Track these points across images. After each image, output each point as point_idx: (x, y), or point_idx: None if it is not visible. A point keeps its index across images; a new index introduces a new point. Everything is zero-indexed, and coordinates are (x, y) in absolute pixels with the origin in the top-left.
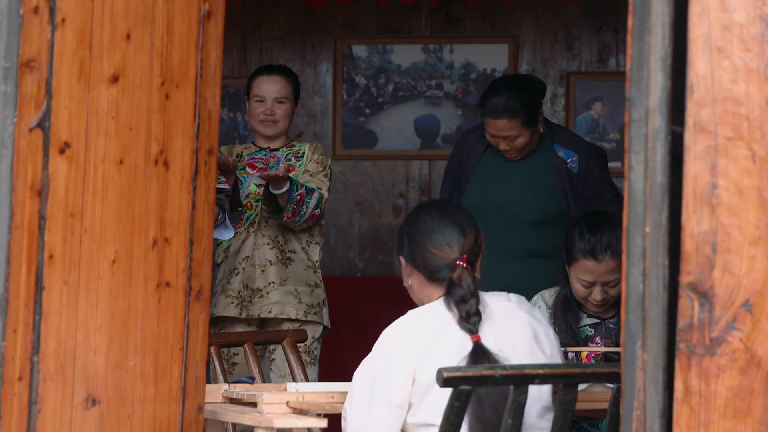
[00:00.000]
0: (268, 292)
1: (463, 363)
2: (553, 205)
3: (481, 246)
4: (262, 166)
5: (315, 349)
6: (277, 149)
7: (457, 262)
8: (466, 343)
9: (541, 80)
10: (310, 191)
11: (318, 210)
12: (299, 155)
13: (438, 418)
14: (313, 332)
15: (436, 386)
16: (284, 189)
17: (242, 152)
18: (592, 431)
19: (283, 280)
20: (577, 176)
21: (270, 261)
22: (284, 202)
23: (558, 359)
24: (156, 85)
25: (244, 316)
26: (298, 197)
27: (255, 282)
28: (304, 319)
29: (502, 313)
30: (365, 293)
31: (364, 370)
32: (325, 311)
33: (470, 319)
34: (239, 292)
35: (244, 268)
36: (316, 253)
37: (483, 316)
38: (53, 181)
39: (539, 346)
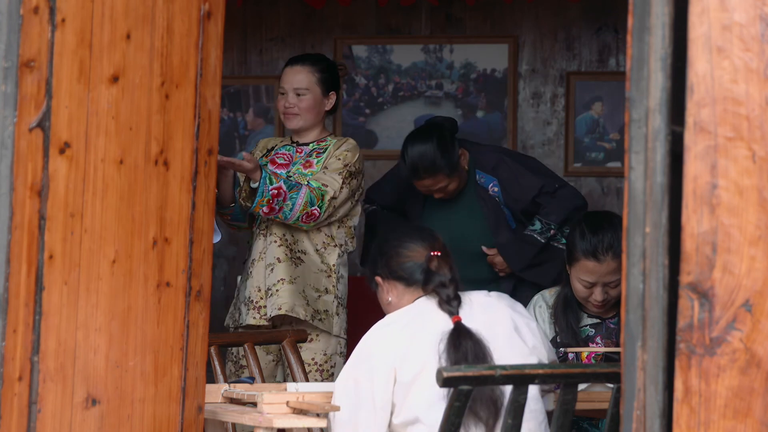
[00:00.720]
0: (277, 290)
1: (443, 346)
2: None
3: (449, 253)
4: (283, 162)
5: (332, 367)
6: (306, 144)
7: (432, 254)
8: (446, 333)
9: (449, 118)
10: (294, 187)
11: (316, 209)
12: (322, 151)
13: (424, 414)
14: (325, 346)
15: (418, 383)
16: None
17: (276, 146)
18: (592, 431)
19: (293, 278)
20: (504, 202)
21: (278, 258)
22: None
23: (542, 350)
24: (156, 85)
25: (265, 320)
26: (274, 191)
27: (266, 282)
28: (311, 323)
29: (482, 308)
30: (365, 293)
31: (345, 376)
32: (336, 320)
33: (451, 303)
34: (249, 297)
35: (251, 272)
36: (333, 257)
37: (463, 305)
38: (53, 181)
39: (521, 338)
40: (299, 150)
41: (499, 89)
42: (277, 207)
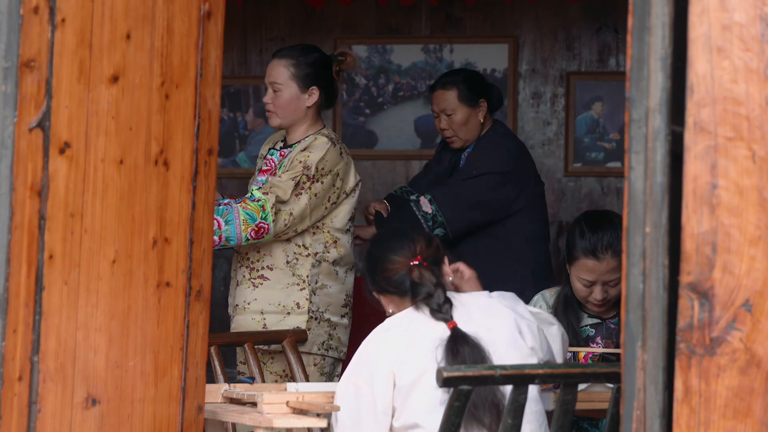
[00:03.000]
0: (233, 317)
1: (440, 352)
2: None
3: (438, 248)
4: (267, 168)
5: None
6: (291, 146)
7: (411, 263)
8: (443, 339)
9: (496, 86)
10: (225, 211)
11: (261, 222)
12: (288, 154)
13: (424, 418)
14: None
15: (418, 388)
16: None
17: (274, 145)
18: (592, 431)
19: (248, 303)
20: (460, 170)
21: (238, 281)
22: None
23: (540, 351)
24: (156, 85)
25: None
26: None
27: (233, 302)
28: (267, 348)
29: (482, 311)
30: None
31: (346, 382)
32: (308, 337)
33: (442, 308)
34: (228, 310)
35: (223, 289)
36: (305, 268)
37: (459, 309)
38: (53, 181)
39: (522, 339)
40: (282, 154)
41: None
42: (217, 238)
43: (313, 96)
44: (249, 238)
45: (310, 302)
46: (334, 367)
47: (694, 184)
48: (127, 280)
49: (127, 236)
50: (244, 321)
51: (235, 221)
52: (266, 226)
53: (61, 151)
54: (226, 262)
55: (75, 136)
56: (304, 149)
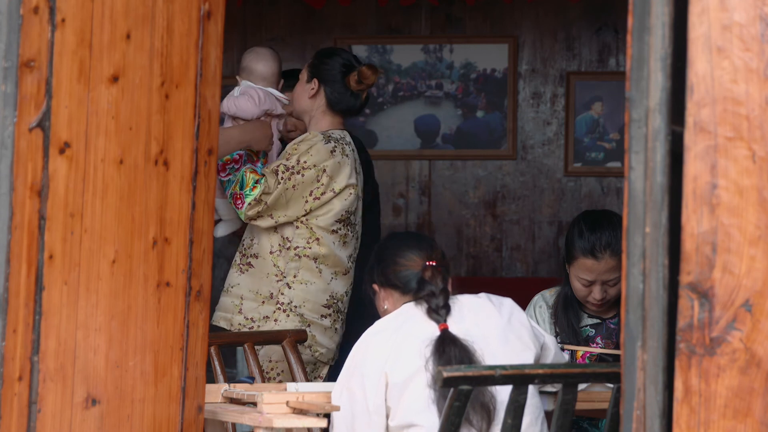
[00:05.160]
0: (219, 297)
1: (428, 352)
2: None
3: (449, 264)
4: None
5: (278, 375)
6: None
7: (427, 263)
8: (432, 342)
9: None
10: (246, 164)
11: (242, 194)
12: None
13: (418, 417)
14: (270, 352)
15: (411, 385)
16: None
17: None
18: (592, 431)
19: (231, 287)
20: None
21: (232, 264)
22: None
23: (531, 344)
24: (156, 85)
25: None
26: (237, 156)
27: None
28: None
29: (473, 309)
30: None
31: (339, 387)
32: (274, 327)
33: (439, 311)
34: None
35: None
36: (284, 260)
37: (452, 311)
38: (53, 181)
39: (513, 333)
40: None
41: (499, 89)
42: (228, 169)
43: (314, 88)
44: (232, 196)
45: (282, 294)
46: (316, 366)
47: (694, 184)
48: (127, 280)
49: (127, 236)
50: (224, 302)
51: (239, 174)
52: (241, 201)
53: (61, 151)
54: (226, 262)
55: (75, 136)
56: (293, 143)
